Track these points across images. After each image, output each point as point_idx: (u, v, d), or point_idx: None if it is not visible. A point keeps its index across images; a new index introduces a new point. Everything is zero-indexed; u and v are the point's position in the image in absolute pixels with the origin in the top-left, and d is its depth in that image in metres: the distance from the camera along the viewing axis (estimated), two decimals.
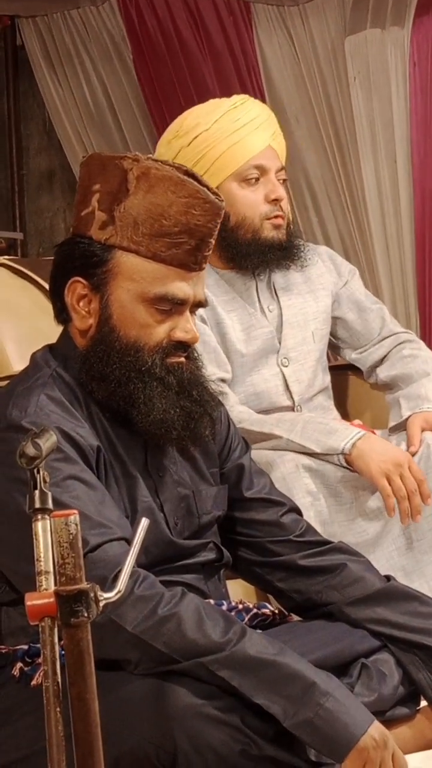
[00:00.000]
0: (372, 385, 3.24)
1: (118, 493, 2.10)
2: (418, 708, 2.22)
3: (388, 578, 2.30)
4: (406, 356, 3.12)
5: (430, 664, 2.20)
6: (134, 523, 2.03)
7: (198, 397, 2.13)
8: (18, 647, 2.06)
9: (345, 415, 3.23)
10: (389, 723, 2.09)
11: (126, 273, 2.08)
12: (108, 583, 1.84)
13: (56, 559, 1.34)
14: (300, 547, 2.29)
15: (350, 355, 3.21)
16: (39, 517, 1.36)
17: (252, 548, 2.31)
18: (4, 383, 2.47)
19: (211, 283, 2.93)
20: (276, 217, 2.98)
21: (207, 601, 2.05)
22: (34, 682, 2.00)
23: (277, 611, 2.29)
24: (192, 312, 2.14)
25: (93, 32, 4.91)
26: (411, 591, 2.28)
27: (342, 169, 4.47)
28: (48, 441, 1.42)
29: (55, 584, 1.34)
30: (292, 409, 3.02)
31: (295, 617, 2.32)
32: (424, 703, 2.23)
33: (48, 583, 1.34)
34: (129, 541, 1.95)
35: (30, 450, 1.39)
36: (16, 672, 2.04)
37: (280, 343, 3.03)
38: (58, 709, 1.33)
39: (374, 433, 2.89)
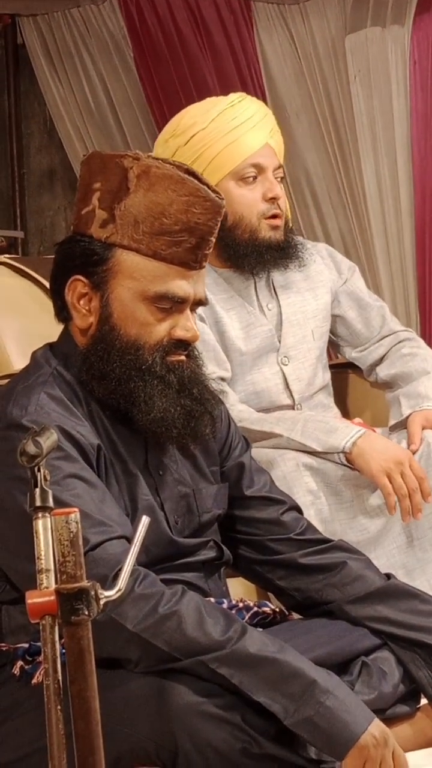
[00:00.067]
0: (372, 384, 3.24)
1: (118, 492, 2.10)
2: (418, 706, 2.22)
3: (388, 576, 2.30)
4: (406, 355, 3.11)
5: (430, 662, 2.20)
6: (134, 522, 2.03)
7: (198, 395, 2.13)
8: (19, 645, 2.06)
9: (345, 414, 3.23)
10: (389, 721, 2.09)
11: (126, 271, 2.08)
12: (108, 582, 1.85)
13: (57, 557, 1.34)
14: (300, 545, 2.29)
15: (350, 354, 3.21)
16: (40, 515, 1.36)
17: (252, 546, 2.31)
18: (4, 382, 2.47)
19: (209, 281, 2.92)
20: (273, 215, 2.98)
21: (207, 599, 2.05)
22: (34, 681, 2.01)
23: (277, 609, 2.29)
24: (192, 310, 2.14)
25: (94, 31, 4.91)
26: (411, 589, 2.29)
27: (342, 166, 4.48)
28: (48, 439, 1.42)
29: (56, 582, 1.34)
30: (292, 407, 3.02)
31: (296, 615, 2.32)
32: (424, 701, 2.23)
33: (49, 582, 1.34)
34: (129, 540, 1.95)
35: (31, 448, 1.39)
36: (16, 670, 2.05)
37: (279, 341, 3.03)
38: (58, 707, 1.33)
39: (375, 431, 2.89)
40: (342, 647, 2.15)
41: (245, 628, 1.96)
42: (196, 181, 2.08)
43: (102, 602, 1.35)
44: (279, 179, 3.01)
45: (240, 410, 2.87)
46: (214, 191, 2.10)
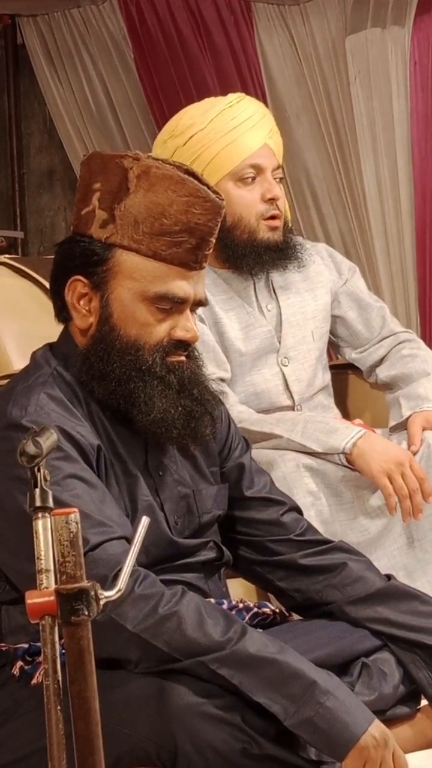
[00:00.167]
0: (372, 385, 3.24)
1: (118, 492, 2.10)
2: (418, 707, 2.22)
3: (388, 577, 2.30)
4: (406, 356, 3.11)
5: (430, 663, 2.20)
6: (134, 522, 2.03)
7: (199, 395, 2.13)
8: (18, 646, 2.06)
9: (345, 415, 3.23)
10: (390, 722, 2.09)
11: (126, 272, 2.08)
12: (108, 582, 1.85)
13: (57, 557, 1.34)
14: (300, 546, 2.29)
15: (350, 355, 3.21)
16: (39, 515, 1.36)
17: (252, 547, 2.31)
18: (4, 382, 2.47)
19: (208, 282, 2.91)
20: (272, 216, 2.97)
21: (207, 600, 2.05)
22: (34, 681, 2.01)
23: (277, 610, 2.29)
24: (192, 311, 2.14)
25: (94, 31, 4.91)
26: (411, 590, 2.29)
27: (342, 167, 4.48)
28: (48, 440, 1.42)
29: (56, 583, 1.34)
30: (292, 408, 3.02)
31: (296, 616, 2.32)
32: (424, 702, 2.23)
33: (48, 582, 1.34)
34: (129, 540, 1.95)
35: (30, 448, 1.39)
36: (16, 671, 2.04)
37: (279, 342, 3.02)
38: (58, 707, 1.33)
39: (375, 432, 2.89)
40: (342, 648, 2.15)
41: (245, 628, 1.96)
42: (196, 182, 2.08)
43: (102, 603, 1.35)
44: (278, 180, 3.00)
45: (240, 411, 2.87)
46: (214, 192, 2.10)
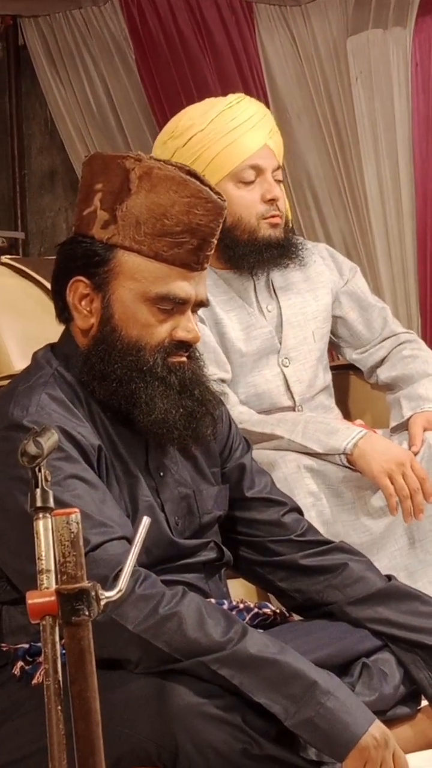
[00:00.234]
0: (373, 386, 3.24)
1: (119, 493, 2.10)
2: (419, 707, 2.22)
3: (389, 578, 2.30)
4: (407, 357, 3.11)
5: (431, 663, 2.20)
6: (135, 523, 2.03)
7: (200, 396, 2.13)
8: (19, 646, 2.06)
9: (346, 415, 3.23)
10: (390, 722, 2.09)
11: (128, 272, 2.08)
12: (109, 582, 1.85)
13: (57, 557, 1.34)
14: (301, 546, 2.29)
15: (351, 355, 3.21)
16: (40, 515, 1.36)
17: (253, 548, 2.31)
18: (5, 382, 2.47)
19: (209, 283, 2.91)
20: (273, 216, 2.97)
21: (208, 600, 2.05)
22: (35, 681, 2.01)
23: (278, 611, 2.29)
24: (194, 312, 2.14)
25: (95, 32, 4.92)
26: (412, 590, 2.29)
27: (344, 168, 4.48)
28: (49, 440, 1.42)
29: (57, 583, 1.34)
30: (293, 409, 3.02)
31: (296, 617, 2.32)
32: (425, 702, 2.23)
33: (49, 582, 1.34)
34: (130, 540, 1.95)
35: (31, 449, 1.39)
36: (17, 671, 2.05)
37: (280, 343, 3.02)
38: (59, 707, 1.33)
39: (376, 432, 2.88)
40: (343, 649, 2.15)
41: (246, 629, 1.96)
42: (197, 183, 2.08)
43: (102, 603, 1.35)
44: (278, 180, 3.00)
45: (240, 412, 2.87)
46: (215, 192, 2.10)
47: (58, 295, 2.17)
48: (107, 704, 1.46)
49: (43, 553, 1.34)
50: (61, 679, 1.33)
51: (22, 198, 5.34)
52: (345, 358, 3.25)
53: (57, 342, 2.20)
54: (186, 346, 2.13)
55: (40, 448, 1.39)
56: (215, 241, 2.13)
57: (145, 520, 1.49)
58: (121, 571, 1.44)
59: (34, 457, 1.39)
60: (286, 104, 4.55)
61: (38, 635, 1.37)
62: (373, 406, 3.29)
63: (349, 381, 3.35)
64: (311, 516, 2.65)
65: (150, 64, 4.78)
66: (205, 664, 1.91)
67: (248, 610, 2.22)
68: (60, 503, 1.44)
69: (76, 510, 1.35)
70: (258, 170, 2.97)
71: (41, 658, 1.69)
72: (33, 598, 1.33)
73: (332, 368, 3.19)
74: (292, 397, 3.02)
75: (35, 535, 1.35)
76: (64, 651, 1.35)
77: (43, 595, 1.33)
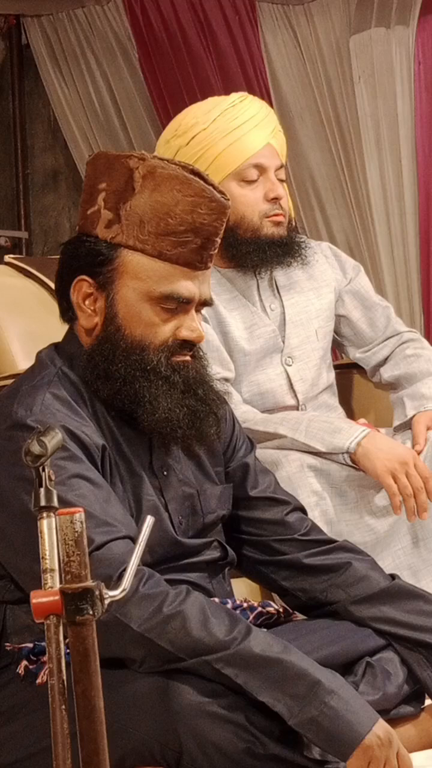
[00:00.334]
0: (376, 384, 3.24)
1: (122, 492, 2.10)
2: (422, 706, 2.22)
3: (393, 577, 2.30)
4: (410, 356, 3.11)
5: None
6: (139, 522, 2.03)
7: (203, 395, 2.13)
8: (23, 645, 2.06)
9: (350, 414, 3.23)
10: (394, 721, 2.09)
11: (132, 272, 2.09)
12: (113, 582, 1.84)
13: (62, 557, 1.34)
14: (305, 545, 2.29)
15: (354, 354, 3.21)
16: (44, 515, 1.36)
17: (257, 547, 2.31)
18: (9, 382, 2.47)
19: (213, 282, 2.91)
20: (276, 215, 2.97)
21: (212, 599, 2.05)
22: (39, 680, 2.01)
23: (281, 610, 2.29)
24: (198, 311, 2.14)
25: (98, 31, 4.91)
26: (416, 589, 2.28)
27: (347, 168, 4.48)
28: (53, 439, 1.42)
29: (61, 582, 1.34)
30: (296, 408, 3.02)
31: (300, 616, 2.32)
32: (428, 701, 2.23)
33: (53, 581, 1.34)
34: (134, 540, 1.95)
35: (35, 448, 1.39)
36: (21, 670, 2.05)
37: (283, 341, 3.02)
38: (63, 706, 1.33)
39: (379, 431, 2.88)
40: (346, 648, 2.15)
41: (250, 628, 1.96)
42: (201, 182, 2.08)
43: (106, 602, 1.35)
44: (281, 179, 3.00)
45: (244, 411, 2.87)
46: (219, 192, 2.11)
47: (61, 295, 2.17)
48: (111, 703, 1.46)
49: (47, 553, 1.34)
50: (65, 678, 1.33)
51: (25, 197, 5.34)
52: (348, 357, 3.25)
53: (61, 341, 2.20)
54: (190, 346, 2.13)
55: (44, 447, 1.39)
56: (219, 240, 2.14)
57: (149, 520, 1.49)
58: (125, 570, 1.44)
59: (38, 457, 1.39)
60: (288, 103, 4.55)
61: (42, 634, 1.38)
62: (376, 405, 3.29)
63: (353, 380, 3.35)
64: (315, 515, 2.65)
65: (153, 63, 4.78)
66: (209, 663, 1.91)
67: (252, 609, 2.22)
68: (64, 502, 1.44)
69: (80, 509, 1.35)
70: (261, 169, 2.97)
71: (45, 658, 1.69)
72: (37, 598, 1.33)
73: (335, 367, 3.19)
74: (296, 396, 3.02)
75: (39, 534, 1.35)
76: (68, 650, 1.35)
77: (47, 594, 1.33)
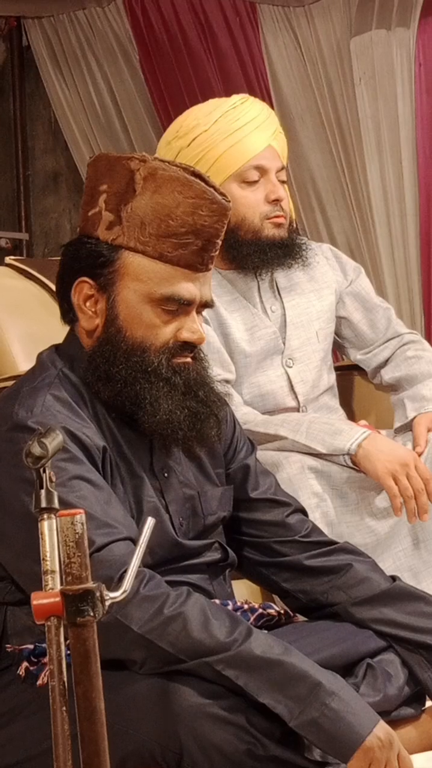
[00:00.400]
0: (377, 386, 3.24)
1: (123, 494, 2.10)
2: (423, 708, 2.22)
3: (393, 578, 2.30)
4: (410, 357, 3.11)
5: None
6: (140, 524, 2.03)
7: (204, 397, 2.13)
8: (24, 647, 2.06)
9: (350, 416, 3.23)
10: (394, 723, 2.09)
11: (133, 273, 2.09)
12: (114, 583, 1.85)
13: (62, 558, 1.34)
14: (305, 547, 2.29)
15: (355, 356, 3.21)
16: (45, 516, 1.36)
17: (257, 549, 2.31)
18: (9, 383, 2.47)
19: (213, 283, 2.91)
20: (276, 217, 2.98)
21: (212, 600, 2.05)
22: (39, 682, 2.01)
23: (282, 611, 2.29)
24: (199, 312, 2.15)
25: (99, 33, 4.92)
26: (416, 591, 2.28)
27: (347, 169, 4.48)
28: (54, 441, 1.42)
29: (61, 584, 1.34)
30: (297, 409, 3.02)
31: (301, 617, 2.32)
32: (429, 703, 2.23)
33: (54, 583, 1.34)
34: (134, 541, 1.95)
35: (36, 450, 1.39)
36: (21, 671, 2.04)
37: (284, 343, 3.02)
38: (64, 708, 1.33)
39: (380, 433, 2.88)
40: (347, 649, 2.15)
41: (250, 629, 1.96)
42: (202, 184, 2.08)
43: (107, 604, 1.35)
44: (282, 181, 3.00)
45: (244, 412, 2.87)
46: (220, 193, 2.11)
47: (62, 296, 2.17)
48: (112, 705, 1.46)
49: (48, 554, 1.34)
50: (66, 679, 1.33)
51: (26, 199, 5.35)
52: (349, 359, 3.25)
53: (61, 343, 2.20)
54: (191, 347, 2.13)
55: (44, 449, 1.40)
56: (220, 242, 2.14)
57: (150, 521, 1.49)
58: (125, 571, 1.44)
59: (39, 458, 1.39)
60: (289, 105, 4.55)
61: (43, 636, 1.38)
62: (377, 407, 3.29)
63: (353, 381, 3.35)
64: (315, 517, 2.65)
65: (154, 65, 4.78)
66: (210, 664, 1.91)
67: (252, 610, 2.22)
68: (65, 504, 1.44)
69: (81, 511, 1.35)
70: (262, 171, 2.97)
71: (46, 659, 1.69)
72: (38, 599, 1.33)
73: (336, 369, 3.19)
74: (296, 398, 3.02)
75: (40, 536, 1.35)
76: (68, 652, 1.35)
77: (48, 596, 1.33)
